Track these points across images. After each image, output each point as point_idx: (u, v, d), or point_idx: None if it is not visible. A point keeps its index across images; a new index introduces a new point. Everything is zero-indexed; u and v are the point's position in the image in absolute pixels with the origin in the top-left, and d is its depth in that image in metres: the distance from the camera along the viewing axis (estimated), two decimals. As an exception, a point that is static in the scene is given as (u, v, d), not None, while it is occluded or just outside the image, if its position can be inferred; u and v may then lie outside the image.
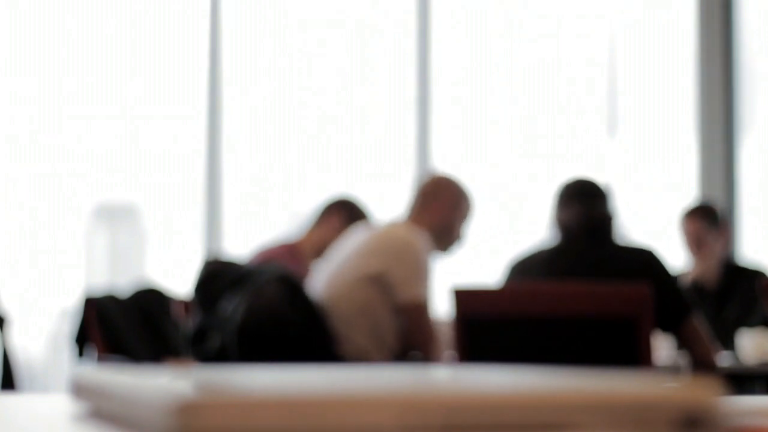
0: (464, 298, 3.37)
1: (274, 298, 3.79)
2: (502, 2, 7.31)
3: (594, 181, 3.92)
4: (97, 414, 0.68)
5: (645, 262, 3.67)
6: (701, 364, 3.79)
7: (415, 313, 3.94)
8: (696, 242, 5.30)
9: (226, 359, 3.75)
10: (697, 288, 5.31)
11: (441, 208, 4.14)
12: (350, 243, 4.08)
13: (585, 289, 3.38)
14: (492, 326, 3.36)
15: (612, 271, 3.65)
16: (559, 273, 3.71)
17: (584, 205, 3.81)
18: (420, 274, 3.94)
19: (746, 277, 5.22)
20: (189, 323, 3.98)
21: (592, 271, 3.66)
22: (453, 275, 5.75)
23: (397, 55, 7.12)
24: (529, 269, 3.79)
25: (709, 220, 5.34)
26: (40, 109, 6.52)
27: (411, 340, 3.99)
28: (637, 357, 3.27)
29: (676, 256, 5.78)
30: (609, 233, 3.80)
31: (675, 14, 7.44)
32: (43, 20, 6.56)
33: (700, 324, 3.77)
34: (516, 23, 7.30)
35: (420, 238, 3.98)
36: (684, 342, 3.77)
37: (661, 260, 3.70)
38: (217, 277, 3.89)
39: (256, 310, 3.76)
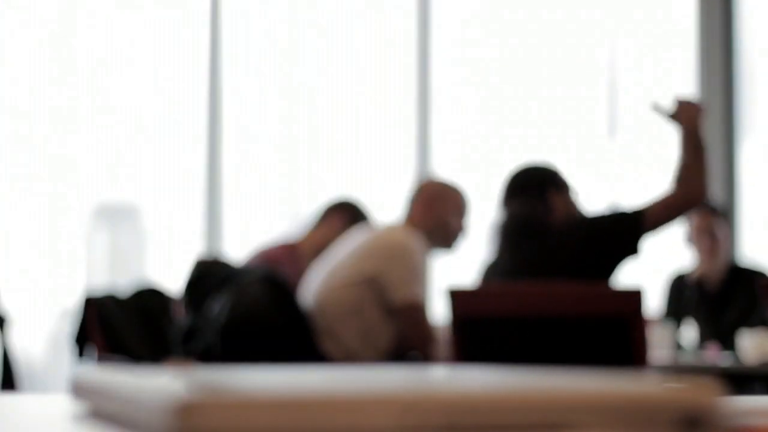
0: (460, 298, 3.37)
1: (258, 298, 3.79)
2: (502, 3, 7.31)
3: (523, 173, 3.90)
4: (97, 414, 0.68)
5: (578, 227, 3.71)
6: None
7: (412, 313, 3.94)
8: (709, 237, 5.29)
9: (212, 359, 3.76)
10: (699, 288, 5.32)
11: (434, 209, 4.15)
12: (346, 244, 4.09)
13: (578, 289, 3.39)
14: (488, 326, 3.36)
15: (557, 259, 3.68)
16: (510, 275, 3.75)
17: (510, 205, 3.83)
18: (415, 275, 3.94)
19: (747, 277, 5.22)
20: (179, 323, 3.99)
21: (540, 268, 3.69)
22: (455, 276, 5.75)
23: (398, 56, 7.12)
24: (497, 273, 3.84)
25: (719, 218, 5.36)
26: (40, 108, 6.52)
27: (408, 341, 3.99)
28: (633, 356, 3.27)
29: (676, 256, 5.78)
30: (540, 224, 3.79)
31: (675, 14, 7.43)
32: (44, 20, 6.56)
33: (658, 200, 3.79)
34: (516, 24, 7.30)
35: (415, 240, 3.98)
36: (665, 211, 3.78)
37: (588, 215, 3.74)
38: (206, 277, 3.90)
39: (239, 310, 3.77)
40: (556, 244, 3.74)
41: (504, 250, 3.83)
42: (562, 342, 3.31)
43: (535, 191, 3.82)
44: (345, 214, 4.62)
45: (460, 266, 5.60)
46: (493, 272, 3.87)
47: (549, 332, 3.31)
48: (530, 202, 3.80)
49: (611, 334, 3.29)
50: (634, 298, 3.27)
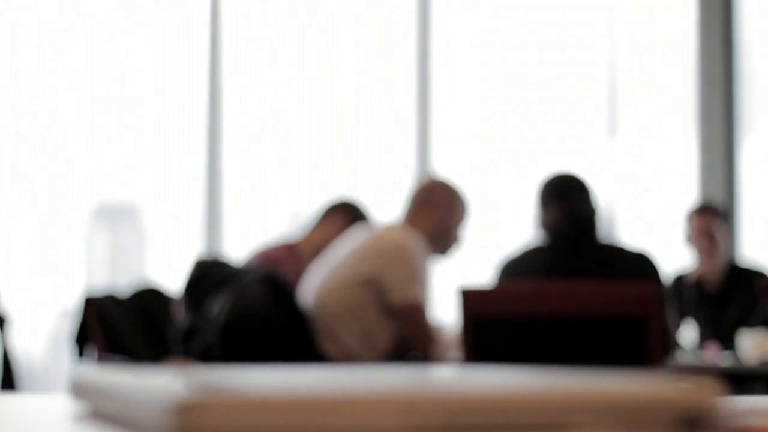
0: (471, 298, 3.37)
1: (257, 298, 3.79)
2: (502, 3, 7.31)
3: (572, 177, 3.89)
4: (97, 414, 0.68)
5: (643, 269, 3.68)
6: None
7: (411, 314, 3.94)
8: (708, 238, 5.30)
9: (212, 359, 3.76)
10: (699, 288, 5.32)
11: (437, 212, 4.14)
12: (345, 245, 4.09)
13: (593, 289, 3.37)
14: (499, 326, 3.35)
15: (608, 273, 3.65)
16: (554, 273, 3.71)
17: (564, 204, 3.80)
18: (414, 276, 3.93)
19: (747, 277, 5.23)
20: (179, 322, 3.99)
21: (589, 271, 3.66)
22: (457, 277, 5.75)
23: (398, 56, 7.12)
24: (521, 270, 3.80)
25: (719, 218, 5.36)
26: (40, 109, 6.52)
27: (409, 341, 3.99)
28: (645, 357, 3.26)
29: (676, 256, 5.78)
30: (593, 229, 3.79)
31: (675, 14, 7.43)
32: (44, 20, 6.56)
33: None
34: (516, 23, 7.30)
35: (415, 240, 3.97)
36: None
37: (658, 269, 3.70)
38: (206, 277, 3.90)
39: (238, 310, 3.76)
40: (612, 255, 3.72)
41: (552, 249, 3.79)
42: (574, 342, 3.30)
43: (578, 198, 3.81)
44: (345, 214, 4.62)
45: (459, 267, 5.61)
46: (523, 270, 3.81)
47: (561, 332, 3.30)
48: (579, 203, 3.79)
49: (624, 334, 3.28)
50: (647, 297, 3.27)
